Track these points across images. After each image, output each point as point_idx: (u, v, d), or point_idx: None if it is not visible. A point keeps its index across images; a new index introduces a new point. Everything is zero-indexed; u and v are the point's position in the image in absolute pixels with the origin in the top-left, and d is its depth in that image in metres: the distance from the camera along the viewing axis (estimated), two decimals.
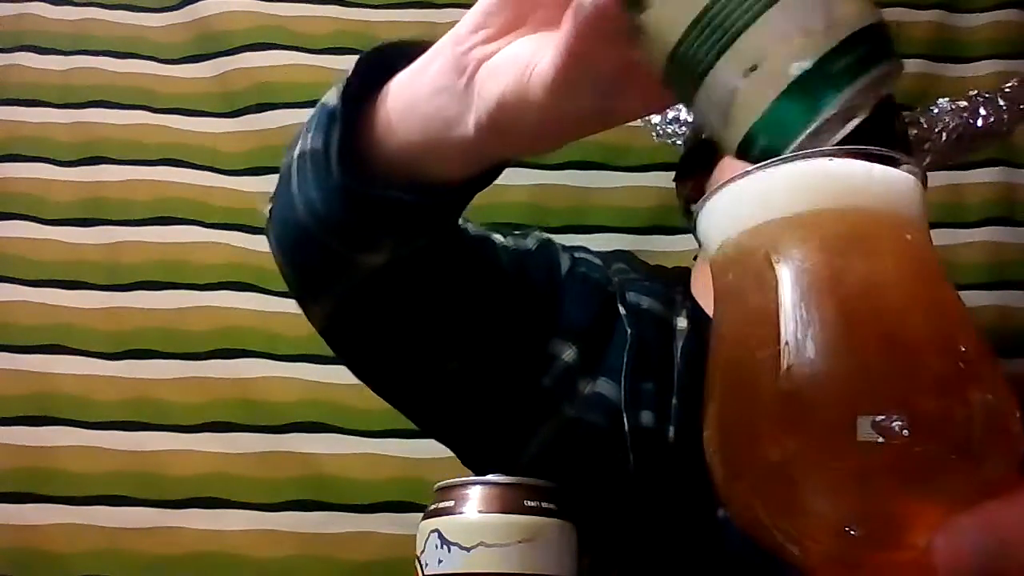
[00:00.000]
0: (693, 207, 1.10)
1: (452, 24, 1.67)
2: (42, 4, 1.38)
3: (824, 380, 0.34)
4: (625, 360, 0.82)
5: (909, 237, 0.37)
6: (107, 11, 1.39)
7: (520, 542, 0.47)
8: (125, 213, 1.28)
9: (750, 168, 0.37)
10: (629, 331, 0.84)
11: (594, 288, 0.85)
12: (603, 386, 0.82)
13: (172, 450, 1.19)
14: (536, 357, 0.79)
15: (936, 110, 1.03)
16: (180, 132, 1.33)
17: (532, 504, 0.48)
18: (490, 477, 0.49)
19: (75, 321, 1.23)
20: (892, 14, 1.40)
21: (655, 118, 1.11)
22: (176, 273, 1.25)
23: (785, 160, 0.37)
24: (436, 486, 0.51)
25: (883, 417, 0.32)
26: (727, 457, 0.37)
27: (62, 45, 1.37)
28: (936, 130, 1.02)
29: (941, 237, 1.28)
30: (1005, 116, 1.03)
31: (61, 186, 1.29)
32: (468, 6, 1.68)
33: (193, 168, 1.31)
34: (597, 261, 0.89)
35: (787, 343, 0.34)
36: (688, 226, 1.05)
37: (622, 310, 0.86)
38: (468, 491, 0.49)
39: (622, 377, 0.81)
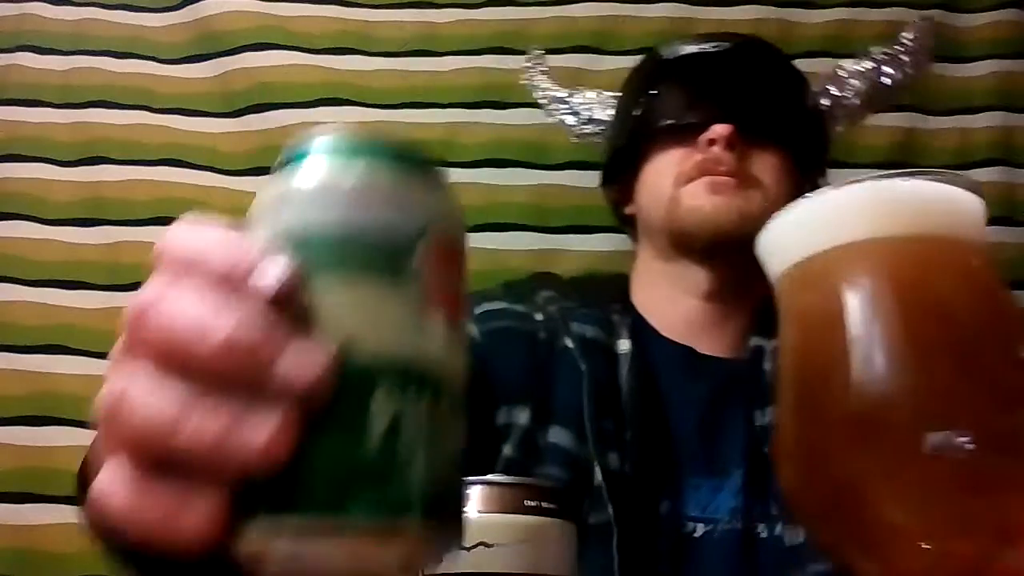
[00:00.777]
0: (625, 209, 1.09)
1: (452, 24, 1.65)
2: (42, 4, 1.38)
3: (893, 399, 0.34)
4: (586, 403, 0.81)
5: (975, 261, 0.37)
6: (107, 11, 1.39)
7: (520, 542, 0.47)
8: (125, 213, 1.28)
9: (817, 190, 0.38)
10: (583, 367, 0.83)
11: (519, 338, 0.85)
12: (556, 434, 0.81)
13: None
14: (490, 437, 0.78)
15: (844, 74, 1.04)
16: (180, 132, 1.33)
17: (532, 504, 0.48)
18: (490, 477, 0.49)
19: (75, 321, 1.23)
20: (892, 14, 1.40)
21: (569, 119, 1.11)
22: None
23: (853, 183, 0.37)
24: None
25: (950, 433, 0.33)
26: (799, 474, 0.38)
27: (62, 45, 1.37)
28: (847, 94, 1.03)
29: None
30: (908, 70, 1.04)
31: (61, 186, 1.29)
32: (468, 6, 1.66)
33: (193, 168, 1.31)
34: (514, 307, 0.88)
35: (856, 364, 0.35)
36: (622, 228, 1.06)
37: (569, 343, 0.85)
38: (468, 491, 0.49)
39: (586, 421, 0.80)
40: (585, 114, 1.09)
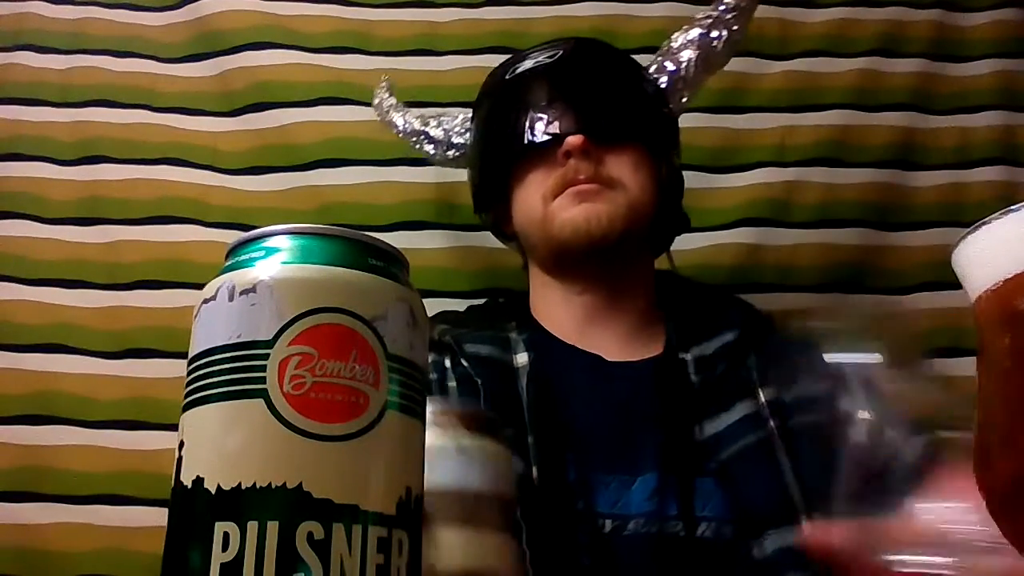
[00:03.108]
0: (505, 228, 1.05)
1: (452, 24, 1.65)
2: (42, 3, 1.38)
3: None
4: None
5: None
6: (106, 10, 1.39)
7: (451, 460, 0.48)
8: (125, 212, 1.28)
9: (1014, 206, 0.37)
10: (480, 381, 0.86)
11: None
12: None
13: (172, 449, 1.18)
14: None
15: (675, 45, 1.04)
16: (180, 131, 1.33)
17: (464, 428, 0.50)
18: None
19: (75, 320, 1.23)
20: (892, 13, 1.40)
21: (429, 148, 1.13)
22: (176, 272, 1.25)
23: None
24: None
25: None
26: (983, 489, 0.38)
27: (62, 44, 1.37)
28: (682, 67, 1.04)
29: (941, 237, 1.28)
30: (735, 26, 1.05)
31: (61, 185, 1.29)
32: (468, 6, 1.66)
33: (193, 167, 1.31)
34: None
35: None
36: (507, 244, 1.08)
37: (464, 363, 0.89)
38: None
39: None
40: (444, 140, 1.12)
